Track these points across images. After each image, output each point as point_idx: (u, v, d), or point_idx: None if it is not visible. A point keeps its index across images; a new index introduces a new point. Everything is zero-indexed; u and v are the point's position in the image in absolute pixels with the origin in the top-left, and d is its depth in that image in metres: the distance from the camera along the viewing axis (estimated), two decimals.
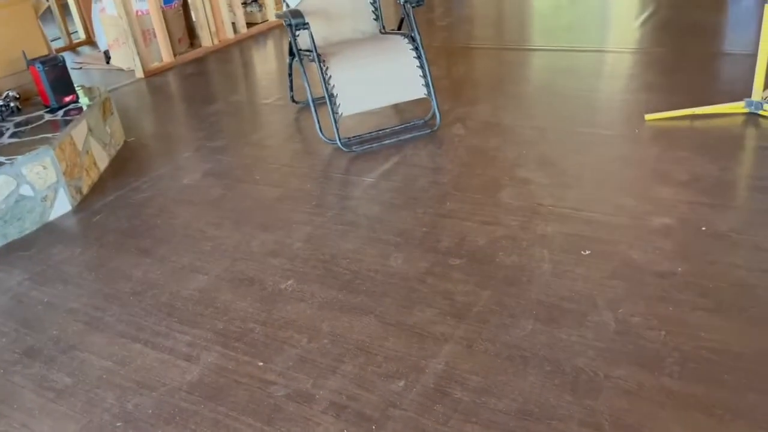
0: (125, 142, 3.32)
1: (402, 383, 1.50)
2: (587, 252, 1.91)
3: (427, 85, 2.90)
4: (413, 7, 2.90)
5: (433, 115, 2.99)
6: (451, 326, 1.66)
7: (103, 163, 2.99)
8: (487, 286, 1.81)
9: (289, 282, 1.96)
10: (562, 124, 2.87)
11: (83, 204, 2.67)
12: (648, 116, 2.81)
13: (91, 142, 2.89)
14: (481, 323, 1.66)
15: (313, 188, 2.57)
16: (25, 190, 2.46)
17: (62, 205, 2.60)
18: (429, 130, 2.95)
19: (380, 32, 3.23)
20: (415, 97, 2.93)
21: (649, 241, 1.93)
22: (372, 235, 2.16)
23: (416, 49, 2.90)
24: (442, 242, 2.06)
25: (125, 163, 3.05)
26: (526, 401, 1.41)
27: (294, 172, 2.73)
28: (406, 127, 3.02)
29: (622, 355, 1.50)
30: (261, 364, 1.63)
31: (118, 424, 1.50)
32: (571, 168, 2.45)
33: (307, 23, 2.80)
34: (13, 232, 2.44)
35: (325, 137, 2.92)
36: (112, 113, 3.23)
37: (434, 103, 2.95)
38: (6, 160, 2.44)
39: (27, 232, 2.48)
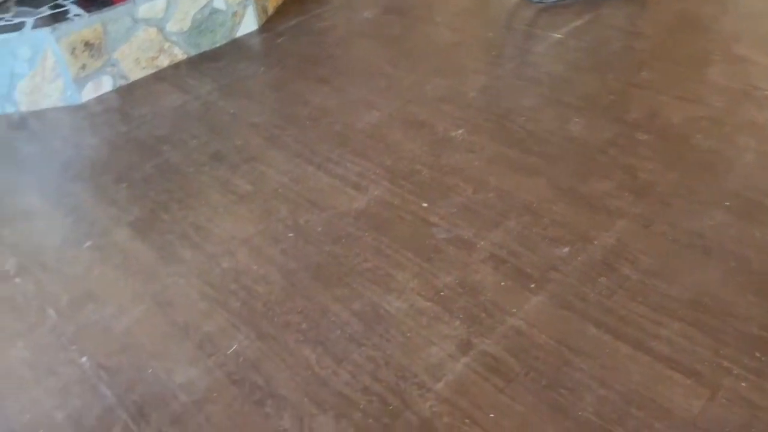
0: None
1: (567, 249, 1.46)
2: None
3: None
4: None
5: None
6: (628, 202, 1.56)
7: None
8: (676, 167, 1.66)
9: (460, 131, 1.92)
10: None
11: (268, 24, 2.73)
12: None
13: None
14: (663, 204, 1.55)
15: (495, 38, 2.43)
16: (218, 3, 2.55)
17: (249, 23, 2.67)
18: None
19: None
20: None
21: None
22: (553, 95, 2.03)
23: None
24: (631, 113, 1.89)
25: None
26: (700, 292, 1.32)
27: (476, 19, 2.58)
28: None
29: None
30: (425, 205, 1.65)
31: (290, 234, 1.61)
32: None
33: None
34: (205, 44, 2.57)
35: None
36: None
37: None
38: None
39: (217, 45, 2.60)
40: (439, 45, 2.42)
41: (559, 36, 2.37)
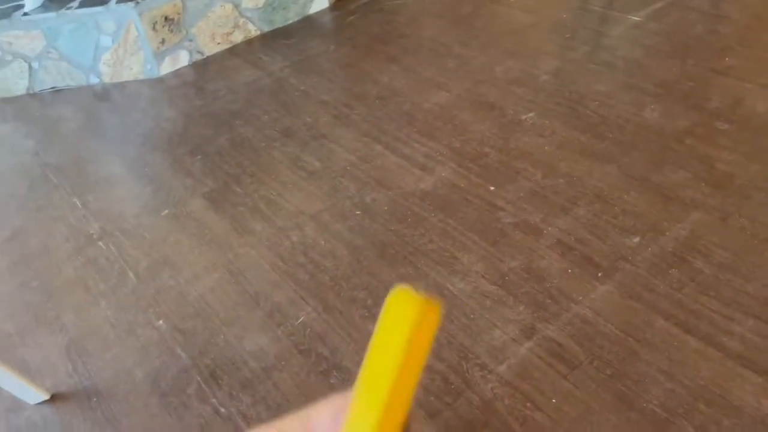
0: None
1: (637, 239, 1.43)
2: None
3: None
4: None
5: None
6: (704, 194, 1.52)
7: None
8: (759, 159, 1.60)
9: (530, 114, 1.90)
10: None
11: (339, 3, 2.75)
12: None
13: None
14: (742, 197, 1.50)
15: (569, 19, 2.38)
16: None
17: (321, 1, 2.70)
18: None
19: None
20: None
21: None
22: (628, 80, 1.98)
23: None
24: (711, 101, 1.82)
25: None
26: None
27: (550, 0, 2.53)
28: None
29: None
30: (492, 188, 1.64)
31: (357, 212, 1.64)
32: None
33: None
34: (278, 20, 2.61)
35: None
36: None
37: None
38: None
39: (290, 21, 2.64)
40: (511, 26, 2.39)
41: (637, 18, 2.30)
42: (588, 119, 1.84)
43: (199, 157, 1.96)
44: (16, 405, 1.31)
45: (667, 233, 1.44)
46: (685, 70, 1.97)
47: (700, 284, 1.31)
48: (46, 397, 1.30)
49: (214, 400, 1.25)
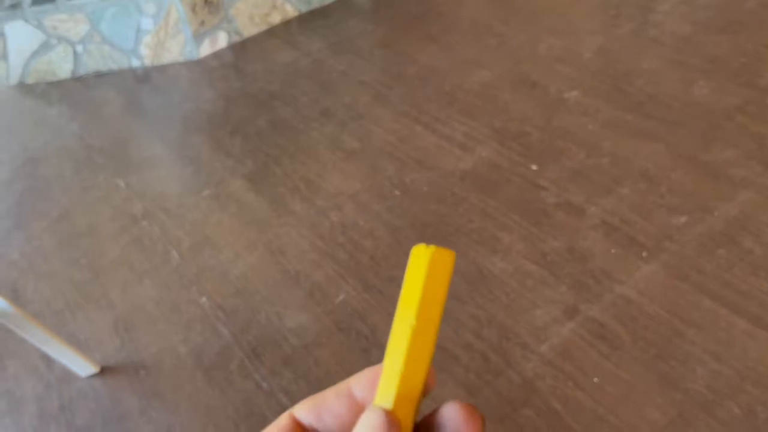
0: None
1: (684, 219, 1.40)
2: None
3: None
4: None
5: None
6: (755, 173, 1.47)
7: None
8: None
9: (574, 93, 1.86)
10: None
11: None
12: None
13: None
14: None
15: None
16: None
17: None
18: None
19: None
20: None
21: None
22: (676, 57, 1.92)
23: None
24: (764, 78, 1.76)
25: None
26: None
27: None
28: None
29: None
30: (534, 168, 1.62)
31: (396, 192, 1.64)
32: None
33: None
34: (316, 1, 2.61)
35: None
36: None
37: None
38: None
39: (327, 2, 2.63)
40: (554, 3, 2.33)
41: None
42: (634, 97, 1.79)
43: (239, 137, 1.97)
44: (68, 377, 1.35)
45: (716, 213, 1.40)
46: (737, 46, 1.90)
47: (750, 264, 1.27)
48: (96, 370, 1.34)
49: (256, 376, 1.27)
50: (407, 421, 0.26)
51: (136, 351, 1.38)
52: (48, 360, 1.40)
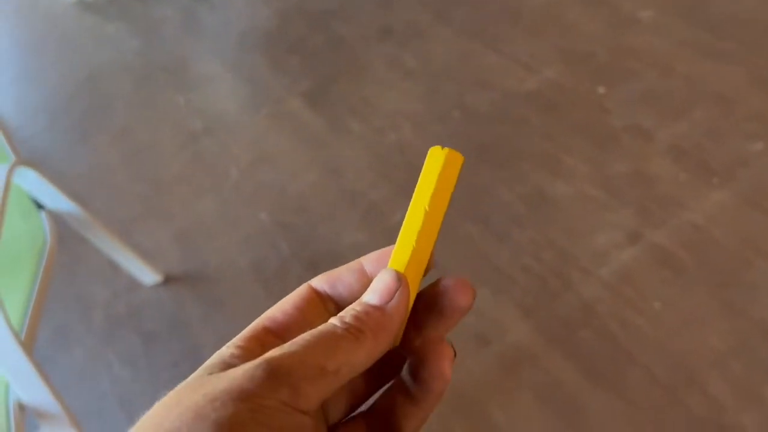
0: None
1: (760, 145, 1.33)
2: None
3: None
4: None
5: None
6: None
7: None
8: None
9: (648, 12, 1.75)
10: None
11: None
12: None
13: None
14: None
15: None
16: None
17: None
18: None
19: None
20: None
21: None
22: None
23: None
24: None
25: None
26: None
27: None
28: None
29: None
30: (602, 90, 1.55)
31: (455, 113, 1.60)
32: None
33: None
34: None
35: None
36: None
37: None
38: None
39: None
40: None
41: None
42: (712, 17, 1.67)
43: (296, 56, 1.95)
44: (133, 285, 1.41)
45: None
46: None
47: None
48: (161, 279, 1.39)
49: None
50: (413, 285, 0.31)
51: (198, 262, 1.43)
52: (115, 268, 1.46)
